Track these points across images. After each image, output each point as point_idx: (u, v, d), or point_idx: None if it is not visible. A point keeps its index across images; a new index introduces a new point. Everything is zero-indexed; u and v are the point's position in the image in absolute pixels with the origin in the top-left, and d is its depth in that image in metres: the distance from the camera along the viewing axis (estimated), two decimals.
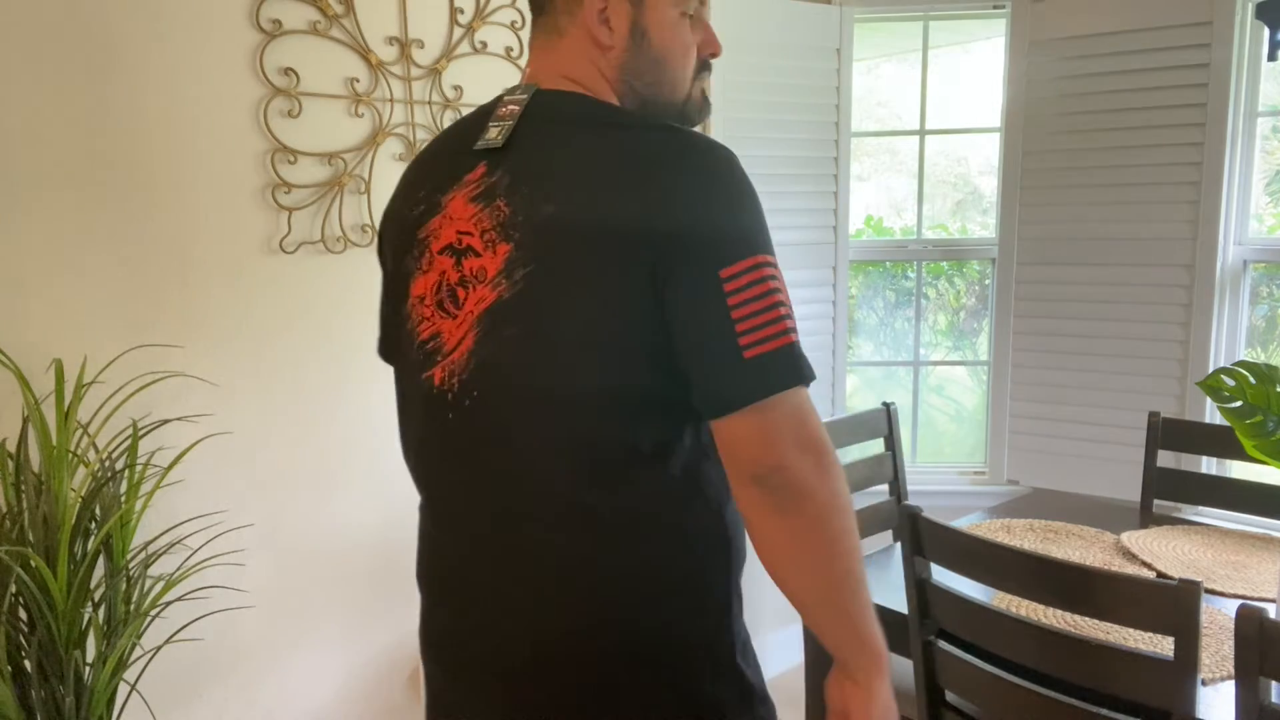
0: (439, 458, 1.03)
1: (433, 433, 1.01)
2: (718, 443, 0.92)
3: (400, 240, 1.05)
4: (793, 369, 0.88)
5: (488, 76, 2.23)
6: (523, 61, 2.25)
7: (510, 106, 1.00)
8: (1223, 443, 2.19)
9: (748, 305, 0.87)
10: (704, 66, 1.07)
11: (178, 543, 1.79)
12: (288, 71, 1.93)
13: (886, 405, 2.39)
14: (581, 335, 0.91)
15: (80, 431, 1.68)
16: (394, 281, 1.07)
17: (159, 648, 1.77)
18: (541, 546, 0.96)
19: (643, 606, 0.96)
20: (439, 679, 1.10)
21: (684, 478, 0.96)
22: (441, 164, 1.04)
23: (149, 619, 1.67)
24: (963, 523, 2.08)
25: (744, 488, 0.91)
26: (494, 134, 0.98)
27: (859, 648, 0.96)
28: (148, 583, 1.70)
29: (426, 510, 1.09)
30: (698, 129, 1.03)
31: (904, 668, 1.96)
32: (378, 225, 1.13)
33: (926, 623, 1.58)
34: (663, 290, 0.88)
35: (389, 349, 1.14)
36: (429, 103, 2.13)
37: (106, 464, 1.65)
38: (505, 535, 0.98)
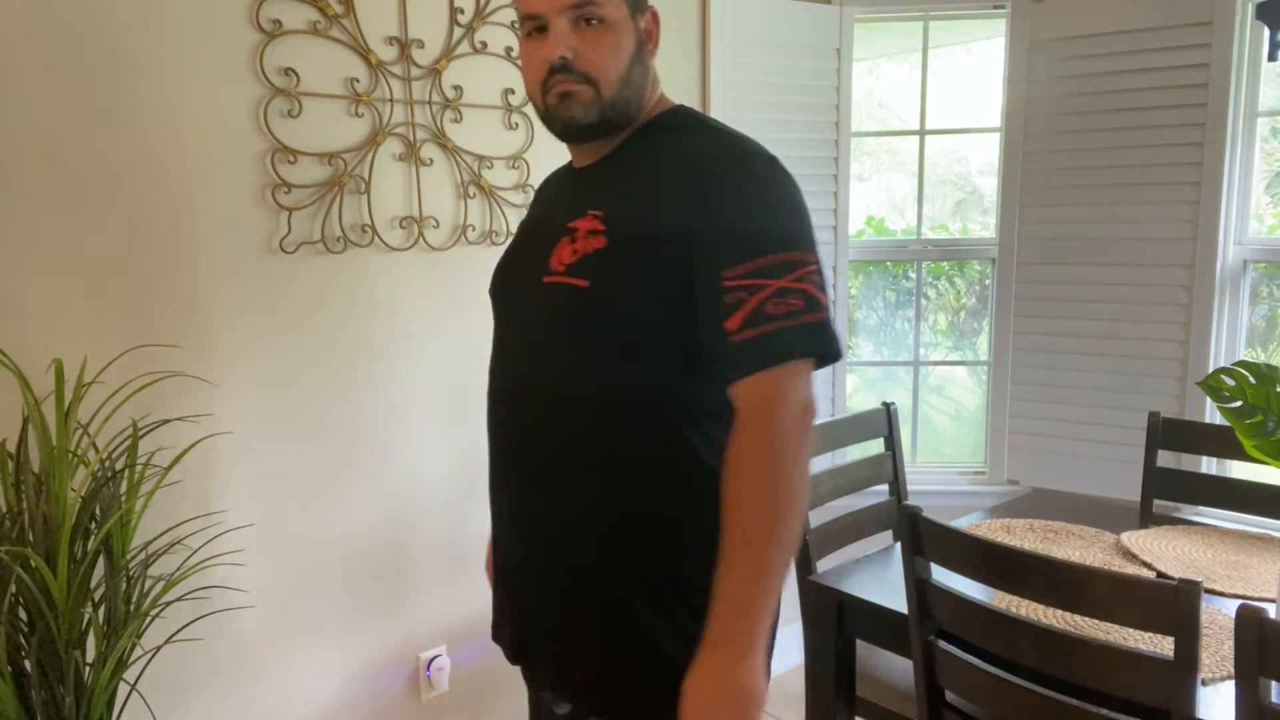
0: None
1: None
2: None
3: None
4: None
5: (488, 76, 2.23)
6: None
7: None
8: (1223, 443, 2.19)
9: None
10: (553, 71, 1.19)
11: (178, 543, 1.80)
12: (288, 71, 1.92)
13: (886, 405, 2.39)
14: None
15: (80, 431, 1.68)
16: None
17: (159, 648, 1.77)
18: None
19: None
20: None
21: None
22: None
23: (149, 619, 1.67)
24: (963, 523, 2.08)
25: None
26: None
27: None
28: (148, 583, 1.70)
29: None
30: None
31: (904, 668, 1.96)
32: None
33: (926, 623, 1.58)
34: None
35: None
36: (429, 103, 2.13)
37: (106, 464, 1.64)
38: None
